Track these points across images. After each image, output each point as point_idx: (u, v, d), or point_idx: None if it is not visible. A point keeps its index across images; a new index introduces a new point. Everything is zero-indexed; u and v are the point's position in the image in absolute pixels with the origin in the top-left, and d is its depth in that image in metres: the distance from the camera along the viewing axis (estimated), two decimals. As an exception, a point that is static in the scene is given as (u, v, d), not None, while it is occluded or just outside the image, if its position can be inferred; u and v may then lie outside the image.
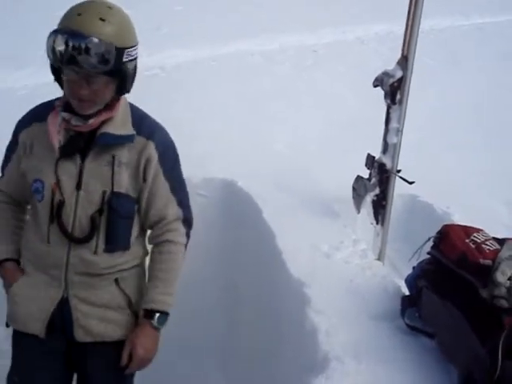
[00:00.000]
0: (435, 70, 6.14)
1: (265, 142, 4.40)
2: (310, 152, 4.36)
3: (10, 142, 2.02)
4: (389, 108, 3.18)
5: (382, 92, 3.17)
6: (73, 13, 1.74)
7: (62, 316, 1.97)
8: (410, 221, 3.94)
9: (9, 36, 5.89)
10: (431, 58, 6.23)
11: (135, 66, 1.87)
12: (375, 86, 3.21)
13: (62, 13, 1.77)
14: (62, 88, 1.87)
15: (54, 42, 1.71)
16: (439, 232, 2.41)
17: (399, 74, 3.07)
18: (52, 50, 1.72)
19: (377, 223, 3.34)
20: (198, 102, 4.95)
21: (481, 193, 4.10)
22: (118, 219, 1.94)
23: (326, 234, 3.17)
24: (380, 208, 3.30)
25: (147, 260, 2.11)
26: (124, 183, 1.92)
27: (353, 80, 5.49)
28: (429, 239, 2.46)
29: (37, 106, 2.02)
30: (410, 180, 3.11)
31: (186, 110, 4.73)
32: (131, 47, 1.81)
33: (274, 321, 2.99)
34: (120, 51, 1.77)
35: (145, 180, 1.95)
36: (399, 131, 3.17)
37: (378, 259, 3.20)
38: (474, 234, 2.28)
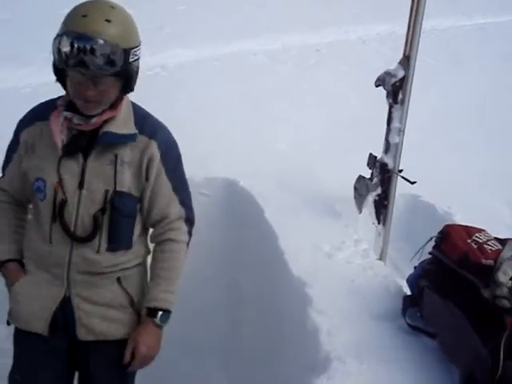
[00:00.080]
0: (437, 70, 6.14)
1: (267, 142, 4.40)
2: (312, 151, 4.36)
3: (12, 142, 2.03)
4: (391, 108, 3.18)
5: (384, 92, 3.16)
6: (77, 14, 1.74)
7: (64, 315, 1.97)
8: (412, 221, 3.93)
9: (12, 35, 5.90)
10: (433, 58, 6.23)
11: (139, 65, 1.88)
12: (377, 86, 3.20)
13: (65, 11, 1.77)
14: (65, 88, 1.87)
15: (60, 44, 1.71)
16: (441, 232, 2.41)
17: (401, 73, 3.07)
18: (58, 52, 1.72)
19: (378, 223, 3.34)
20: (200, 102, 4.96)
21: (483, 193, 4.10)
22: (120, 218, 1.94)
23: (327, 234, 3.17)
24: (382, 208, 3.30)
25: (149, 259, 2.12)
26: (126, 182, 1.92)
27: (355, 79, 5.49)
28: (430, 239, 2.46)
29: (38, 105, 2.02)
30: (411, 180, 3.11)
31: (189, 109, 4.74)
32: (136, 47, 1.82)
33: (275, 320, 3.00)
34: (126, 52, 1.77)
35: (147, 179, 1.95)
36: (401, 131, 3.17)
37: (380, 259, 3.19)
38: (476, 234, 2.28)
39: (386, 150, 3.26)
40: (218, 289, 3.57)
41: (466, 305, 2.09)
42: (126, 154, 1.91)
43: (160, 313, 1.97)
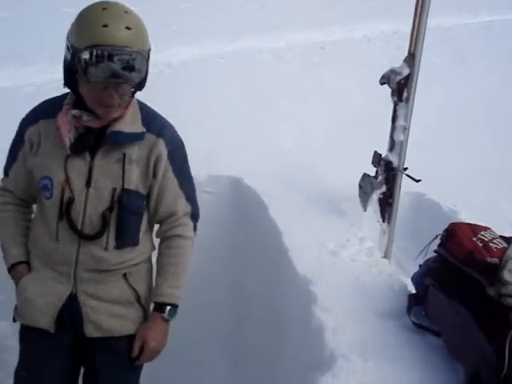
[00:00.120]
0: (442, 68, 6.13)
1: (271, 139, 4.40)
2: (316, 149, 4.36)
3: (15, 140, 2.01)
4: (395, 106, 3.18)
5: (389, 90, 3.16)
6: (97, 24, 1.71)
7: (70, 311, 1.98)
8: (417, 219, 3.93)
9: (15, 33, 5.89)
10: (438, 56, 6.22)
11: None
12: (382, 84, 3.20)
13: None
14: (73, 91, 1.86)
15: (88, 57, 1.69)
16: (446, 230, 2.40)
17: (406, 71, 3.06)
18: (85, 65, 1.70)
19: (383, 221, 3.34)
20: (204, 99, 4.96)
21: (488, 191, 4.09)
22: (128, 215, 1.95)
23: (332, 232, 3.17)
24: (386, 206, 3.30)
25: (154, 255, 2.12)
26: (134, 180, 1.93)
27: (360, 77, 5.48)
28: (436, 237, 2.45)
29: (42, 103, 2.02)
30: (416, 178, 3.11)
31: (193, 107, 4.74)
32: (150, 49, 1.82)
33: (280, 318, 3.00)
34: (146, 58, 1.78)
35: (155, 176, 1.96)
36: (406, 129, 3.16)
37: (385, 257, 3.19)
38: (482, 233, 2.27)
39: (391, 147, 3.25)
40: (223, 286, 3.57)
41: (471, 303, 2.09)
42: (134, 152, 1.92)
43: (168, 307, 2.00)
